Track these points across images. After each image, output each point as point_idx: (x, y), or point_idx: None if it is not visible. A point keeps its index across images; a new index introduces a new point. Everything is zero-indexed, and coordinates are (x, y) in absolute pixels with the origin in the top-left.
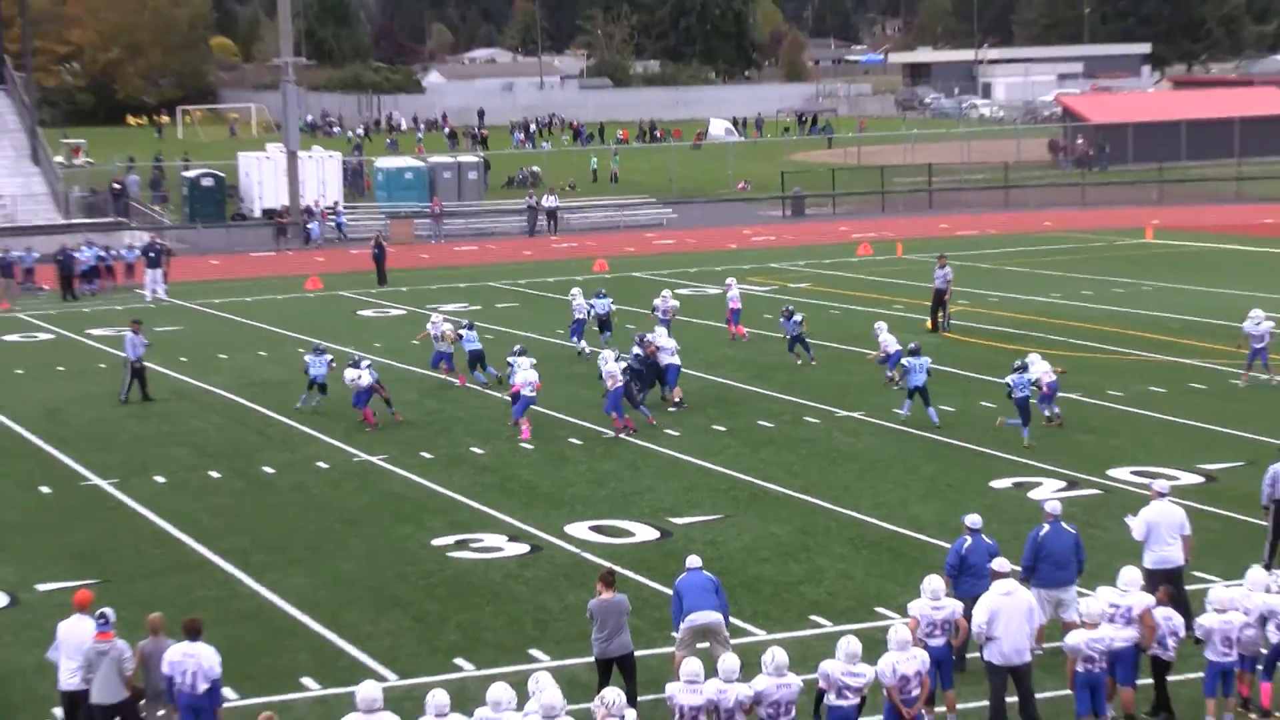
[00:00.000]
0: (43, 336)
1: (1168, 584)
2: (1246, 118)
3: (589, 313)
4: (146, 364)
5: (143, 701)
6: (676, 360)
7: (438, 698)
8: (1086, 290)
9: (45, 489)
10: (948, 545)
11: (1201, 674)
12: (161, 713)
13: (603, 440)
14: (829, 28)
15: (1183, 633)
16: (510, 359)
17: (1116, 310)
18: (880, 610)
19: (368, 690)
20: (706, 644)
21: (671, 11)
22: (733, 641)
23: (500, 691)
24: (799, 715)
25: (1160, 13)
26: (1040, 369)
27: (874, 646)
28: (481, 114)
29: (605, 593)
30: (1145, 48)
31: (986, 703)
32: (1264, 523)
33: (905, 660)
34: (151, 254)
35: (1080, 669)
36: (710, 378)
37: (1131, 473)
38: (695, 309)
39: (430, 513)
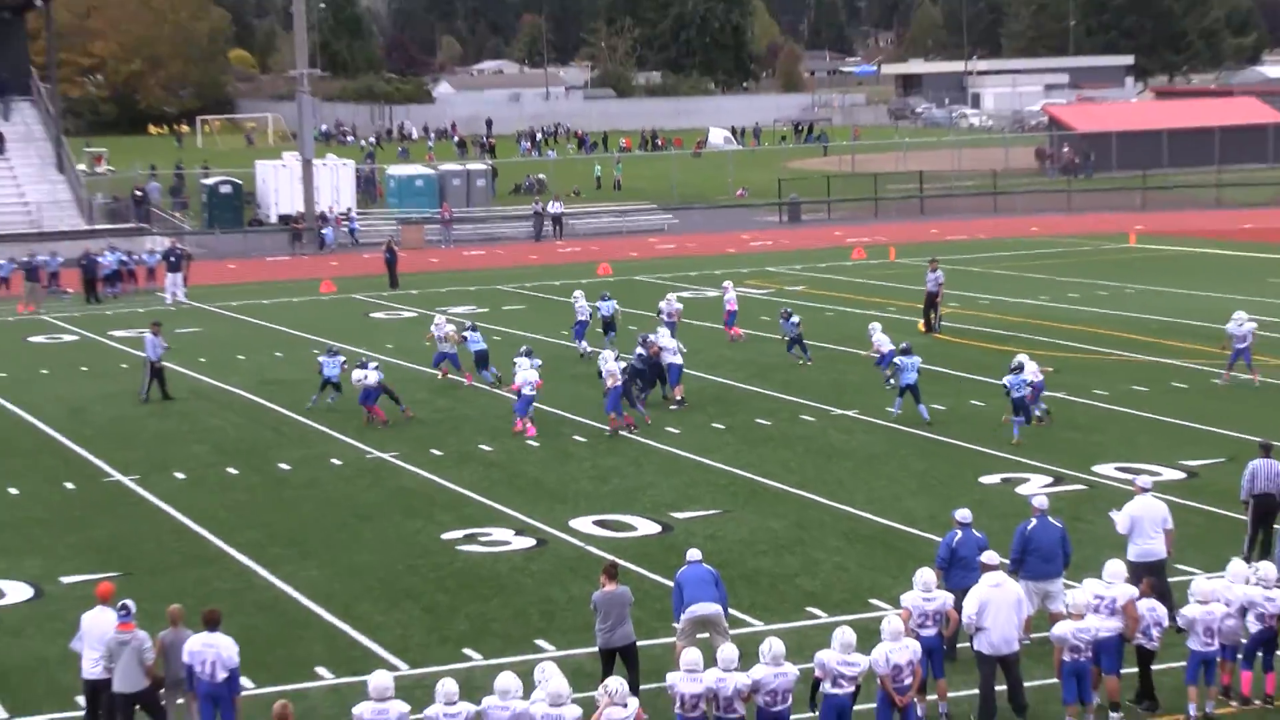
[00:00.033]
0: (67, 338)
1: (1151, 576)
2: (1226, 127)
3: (593, 314)
4: (166, 364)
5: (162, 690)
6: (679, 360)
7: (447, 686)
8: (1073, 293)
9: (69, 485)
10: (938, 539)
11: (1184, 663)
12: (181, 701)
13: (606, 438)
14: (824, 40)
15: (1166, 623)
16: (516, 359)
17: (1101, 312)
18: (874, 602)
19: (379, 679)
20: (706, 634)
21: (672, 25)
22: (731, 632)
23: (507, 680)
24: (796, 703)
25: (1143, 26)
26: (1028, 369)
27: (868, 637)
28: (489, 123)
29: (608, 585)
30: (1128, 59)
31: (976, 691)
32: (1243, 517)
33: (898, 650)
34: (172, 258)
35: (1067, 658)
36: (710, 377)
37: (1116, 469)
38: (695, 311)
39: (440, 508)
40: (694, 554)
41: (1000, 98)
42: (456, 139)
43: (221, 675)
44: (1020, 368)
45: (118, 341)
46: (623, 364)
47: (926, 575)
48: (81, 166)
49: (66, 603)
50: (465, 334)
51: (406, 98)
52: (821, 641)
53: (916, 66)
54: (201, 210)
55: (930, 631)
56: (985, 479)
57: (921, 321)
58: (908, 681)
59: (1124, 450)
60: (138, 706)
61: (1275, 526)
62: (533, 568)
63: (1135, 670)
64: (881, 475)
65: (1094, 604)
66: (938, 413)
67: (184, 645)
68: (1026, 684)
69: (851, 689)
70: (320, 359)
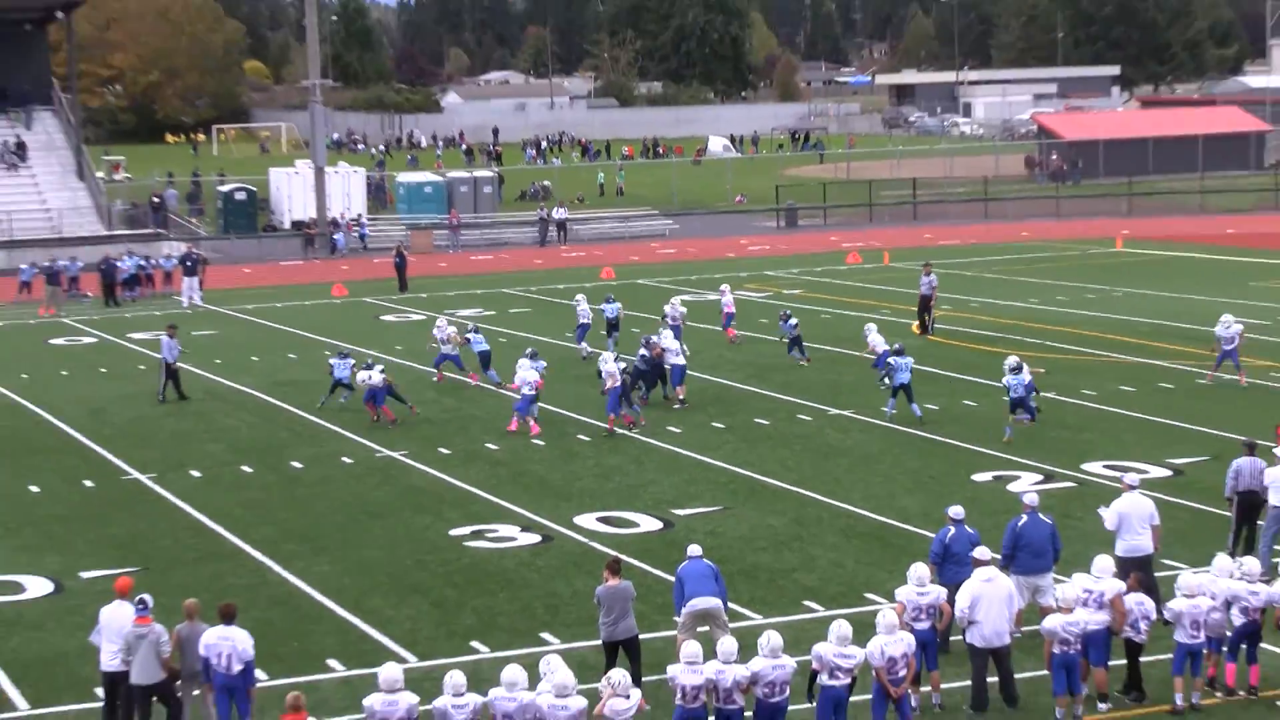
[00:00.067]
0: (86, 340)
1: (1138, 571)
2: (1209, 135)
3: (597, 316)
4: (181, 365)
5: (178, 682)
6: (682, 361)
7: (455, 678)
8: (1061, 296)
9: (89, 483)
10: (932, 535)
11: (1171, 655)
12: (196, 693)
13: (609, 436)
14: (820, 51)
15: (1154, 616)
16: (522, 361)
17: (1089, 314)
18: (869, 596)
19: (389, 671)
20: (707, 628)
21: (673, 37)
22: (731, 625)
23: (514, 673)
24: (793, 695)
25: (1129, 37)
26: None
27: (864, 630)
28: (496, 132)
29: (611, 580)
30: (1115, 70)
31: (969, 682)
32: (1227, 513)
33: (893, 643)
34: (188, 263)
35: (1057, 651)
36: (710, 378)
37: (1104, 466)
38: (695, 314)
39: (448, 505)
40: (694, 550)
41: (990, 107)
42: (464, 147)
43: (237, 667)
44: (1019, 368)
45: (136, 344)
46: (622, 365)
47: (920, 570)
48: (100, 174)
49: (86, 597)
50: (469, 335)
51: (416, 107)
52: (819, 634)
53: (909, 77)
54: (217, 216)
55: (924, 625)
56: (978, 477)
57: (916, 324)
58: (902, 673)
59: (1112, 449)
60: (154, 698)
61: (1259, 523)
62: (538, 563)
63: (1124, 662)
64: (877, 473)
65: (1083, 598)
66: (932, 412)
67: (200, 638)
68: (1017, 676)
69: (848, 681)
70: (331, 361)
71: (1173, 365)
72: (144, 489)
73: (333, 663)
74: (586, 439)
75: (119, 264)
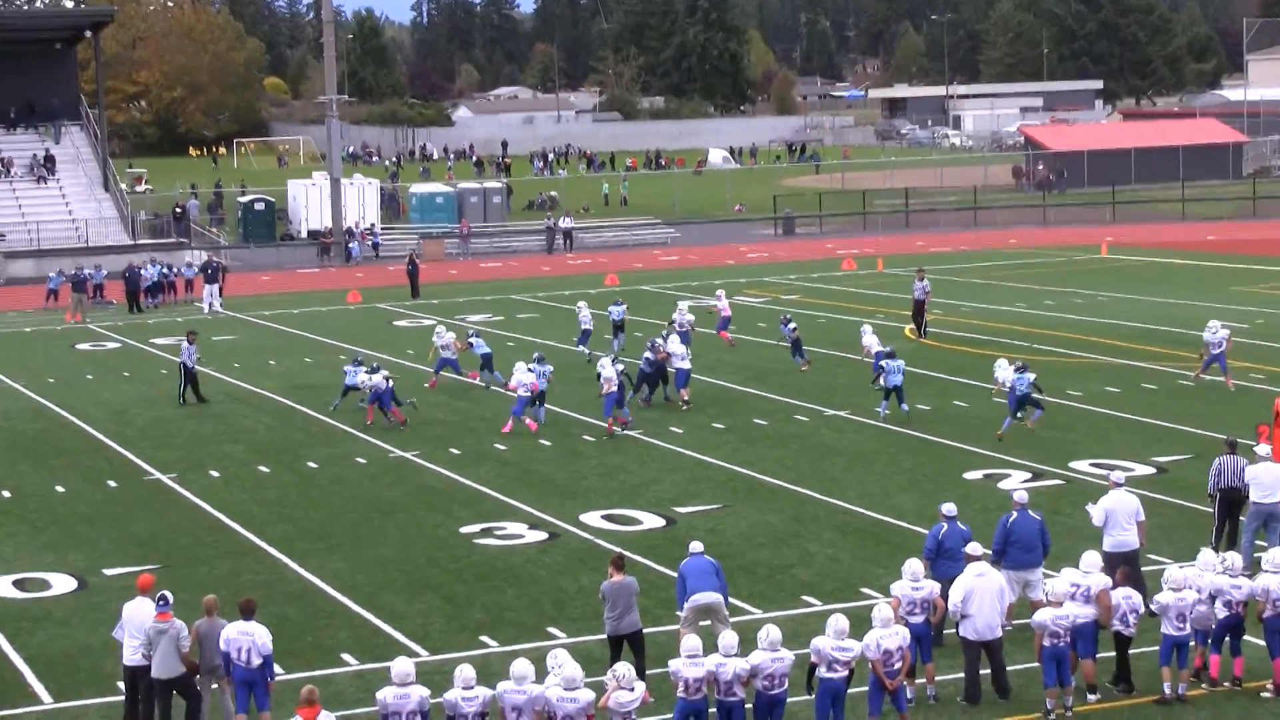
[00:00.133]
0: (110, 345)
1: (1125, 566)
2: (1189, 146)
3: (604, 319)
4: (201, 369)
5: (198, 676)
6: (687, 365)
7: (465, 672)
8: (1049, 300)
9: (112, 483)
10: (926, 531)
11: (1158, 648)
12: (215, 686)
13: (612, 437)
14: (815, 67)
15: (1142, 609)
16: (530, 365)
17: (1076, 318)
18: (865, 591)
19: (401, 665)
20: (708, 622)
21: (675, 53)
22: (731, 620)
23: (522, 666)
24: (792, 687)
25: (1111, 53)
26: (1007, 372)
27: (860, 624)
28: (505, 145)
29: (616, 575)
30: (1098, 84)
31: (962, 674)
32: (1210, 510)
33: (888, 636)
34: (209, 271)
35: (1047, 643)
36: (710, 380)
37: (1091, 465)
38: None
39: (458, 503)
40: (696, 546)
41: (979, 119)
42: (474, 159)
43: (257, 661)
44: (1024, 367)
45: (158, 349)
46: (620, 367)
47: (915, 566)
48: (123, 185)
49: (109, 594)
50: (470, 340)
51: (428, 121)
52: (816, 628)
53: (901, 91)
54: (237, 226)
55: (919, 619)
56: (969, 475)
57: (909, 327)
58: (898, 666)
59: (1098, 447)
60: (174, 692)
61: (1240, 518)
62: (545, 560)
63: (1113, 654)
64: (872, 472)
65: (1071, 592)
66: (925, 413)
67: (221, 633)
68: (1009, 668)
69: (845, 673)
70: (345, 368)
71: (1157, 367)
72: (165, 489)
73: (346, 657)
74: (591, 439)
75: (142, 272)
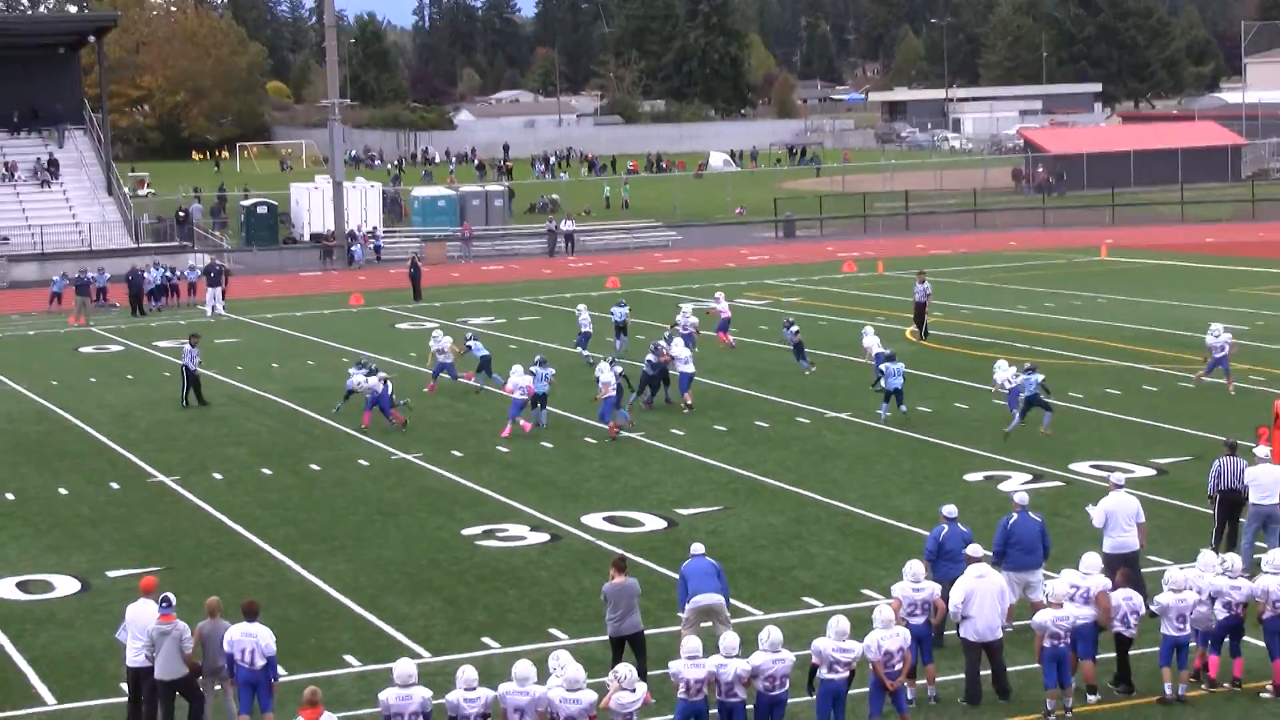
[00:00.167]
0: (114, 348)
1: (1125, 567)
2: (1188, 148)
3: (600, 323)
4: (204, 371)
5: (201, 677)
6: (690, 369)
7: (467, 673)
8: (1049, 303)
9: (115, 485)
10: (926, 533)
11: (1158, 648)
12: (218, 687)
13: (614, 439)
14: (815, 70)
15: (1142, 611)
16: (531, 368)
17: (1076, 320)
18: (866, 592)
19: (404, 666)
20: (709, 623)
21: (676, 57)
22: (733, 621)
23: (524, 668)
24: (793, 688)
25: (1110, 56)
26: (1006, 373)
27: (861, 625)
28: (506, 148)
29: (618, 577)
30: (1097, 87)
31: (963, 675)
32: (1209, 511)
33: (889, 637)
34: (212, 274)
35: (1047, 644)
36: (711, 382)
37: (1091, 466)
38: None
39: (460, 505)
40: (697, 548)
41: (979, 122)
42: (476, 162)
43: (260, 662)
44: (1033, 369)
45: (161, 352)
46: (619, 369)
47: (915, 567)
48: (126, 189)
49: (112, 595)
50: (469, 343)
51: (430, 125)
52: (817, 630)
53: (901, 94)
54: (239, 229)
55: (919, 620)
56: (970, 477)
57: (910, 329)
58: (898, 667)
59: (1099, 449)
60: (177, 693)
61: (1240, 520)
62: (547, 561)
63: (1113, 655)
64: (873, 474)
65: (1071, 593)
66: (926, 415)
67: (224, 635)
68: (1010, 669)
69: (846, 674)
70: (349, 371)
71: (1157, 369)
72: (168, 491)
73: (349, 658)
74: (593, 441)
75: (146, 275)
